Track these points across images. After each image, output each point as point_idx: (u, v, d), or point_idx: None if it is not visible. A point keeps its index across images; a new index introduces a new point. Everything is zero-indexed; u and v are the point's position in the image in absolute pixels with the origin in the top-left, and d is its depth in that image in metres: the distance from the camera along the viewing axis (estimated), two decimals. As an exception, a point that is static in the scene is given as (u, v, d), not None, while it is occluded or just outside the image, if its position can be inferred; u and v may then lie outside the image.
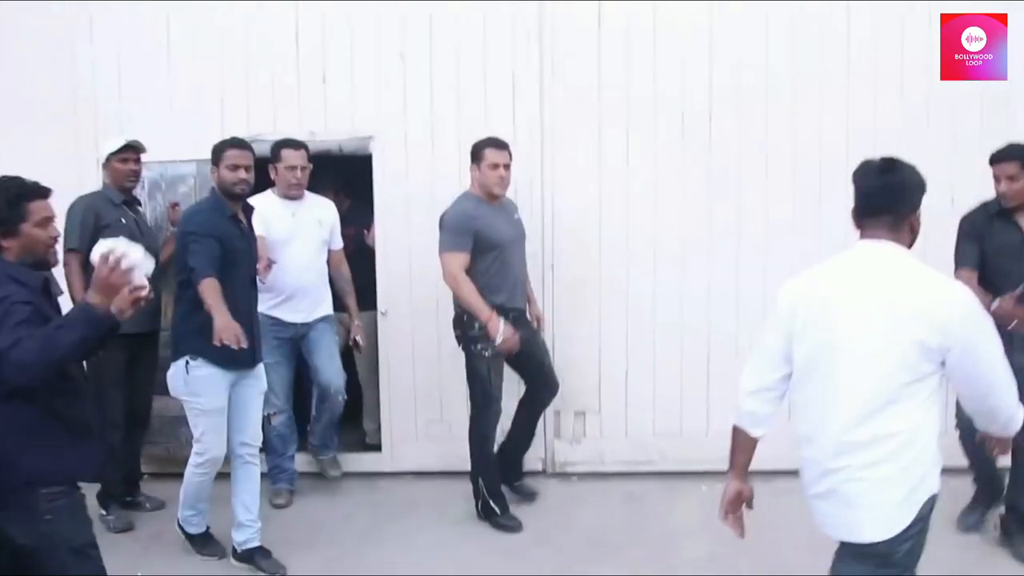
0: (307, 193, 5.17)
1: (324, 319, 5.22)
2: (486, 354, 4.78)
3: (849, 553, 2.87)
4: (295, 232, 5.06)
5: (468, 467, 5.30)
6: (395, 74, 5.47)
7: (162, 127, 5.36)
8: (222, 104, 5.49)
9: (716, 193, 5.44)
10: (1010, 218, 4.40)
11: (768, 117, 5.39)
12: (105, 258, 2.89)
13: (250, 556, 4.48)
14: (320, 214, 5.21)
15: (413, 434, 5.65)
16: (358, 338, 5.35)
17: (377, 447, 5.74)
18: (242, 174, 4.31)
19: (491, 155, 4.75)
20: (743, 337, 5.26)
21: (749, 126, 5.40)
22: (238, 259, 4.32)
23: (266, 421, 4.86)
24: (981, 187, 4.50)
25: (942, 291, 2.73)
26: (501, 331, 4.66)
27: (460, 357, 5.42)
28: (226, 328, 3.90)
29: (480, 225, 4.74)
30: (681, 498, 5.27)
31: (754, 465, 5.43)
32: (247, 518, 4.46)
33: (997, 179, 4.35)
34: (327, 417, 5.32)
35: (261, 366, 4.55)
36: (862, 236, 2.87)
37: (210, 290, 4.07)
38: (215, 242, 4.19)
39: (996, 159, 4.36)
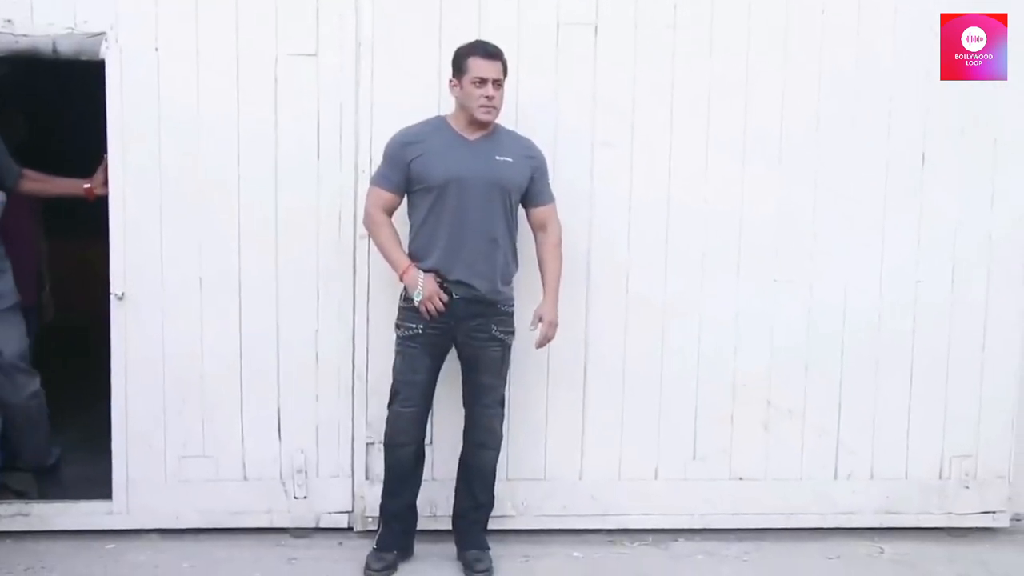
0: None
1: None
2: (399, 333, 3.72)
3: None
4: None
5: (241, 522, 4.00)
6: (141, -58, 3.77)
7: None
8: None
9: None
10: None
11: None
12: None
13: None
14: None
15: (160, 474, 3.92)
16: None
17: (101, 493, 3.95)
18: None
19: (476, 66, 3.58)
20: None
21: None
22: None
23: None
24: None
25: None
26: (420, 285, 3.59)
27: (234, 361, 3.98)
28: None
29: (415, 154, 3.62)
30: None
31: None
32: None
33: None
34: None
35: None
36: None
37: None
38: None
39: None
